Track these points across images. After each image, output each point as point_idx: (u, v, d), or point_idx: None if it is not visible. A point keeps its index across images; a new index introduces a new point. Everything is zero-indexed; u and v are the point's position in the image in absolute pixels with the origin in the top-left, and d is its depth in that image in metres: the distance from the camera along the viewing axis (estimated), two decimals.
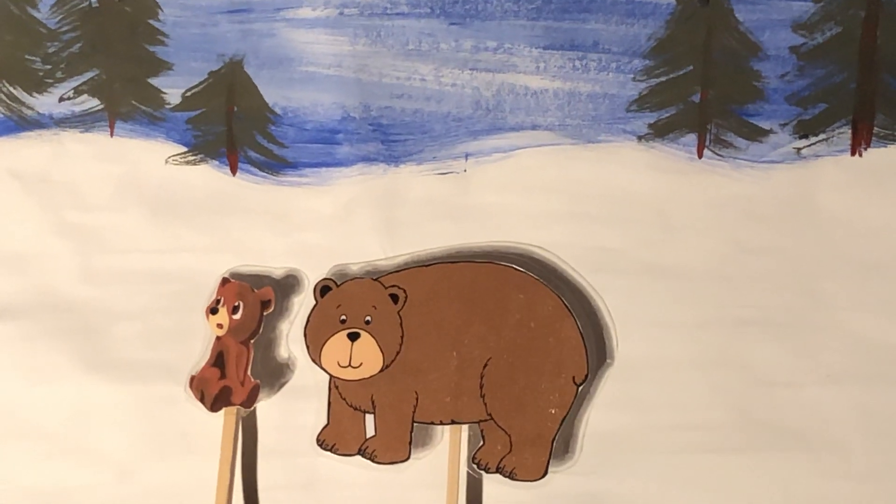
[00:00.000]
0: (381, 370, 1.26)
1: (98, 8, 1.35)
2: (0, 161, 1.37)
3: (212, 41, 1.34)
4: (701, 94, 1.34)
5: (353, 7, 1.33)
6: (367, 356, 1.25)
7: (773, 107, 1.33)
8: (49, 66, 1.36)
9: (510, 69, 1.34)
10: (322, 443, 1.31)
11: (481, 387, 1.28)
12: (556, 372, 1.28)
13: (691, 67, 1.33)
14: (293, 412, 1.36)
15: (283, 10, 1.34)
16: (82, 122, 1.37)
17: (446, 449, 1.30)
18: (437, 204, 1.35)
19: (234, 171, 1.37)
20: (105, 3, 1.35)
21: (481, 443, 1.31)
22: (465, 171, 1.35)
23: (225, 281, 1.31)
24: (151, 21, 1.35)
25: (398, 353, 1.26)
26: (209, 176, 1.37)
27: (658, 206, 1.34)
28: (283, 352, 1.35)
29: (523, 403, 1.28)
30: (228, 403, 1.29)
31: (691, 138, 1.34)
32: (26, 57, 1.36)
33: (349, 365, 1.25)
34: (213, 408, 1.29)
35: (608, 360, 1.33)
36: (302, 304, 1.34)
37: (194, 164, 1.37)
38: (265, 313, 1.30)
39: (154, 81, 1.36)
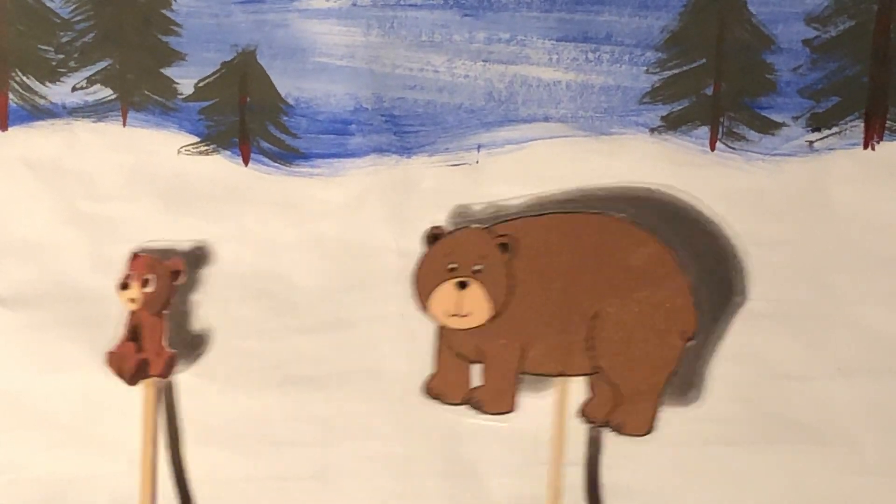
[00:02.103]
0: (490, 320, 1.24)
1: None
2: (13, 150, 1.36)
3: (225, 31, 1.34)
4: (714, 87, 1.34)
5: None
6: (475, 305, 1.23)
7: (786, 100, 1.33)
8: (62, 56, 1.36)
9: (523, 61, 1.34)
10: (429, 391, 1.30)
11: (589, 339, 1.26)
12: (664, 327, 1.26)
13: (704, 60, 1.33)
14: (305, 403, 1.36)
15: (296, 1, 1.34)
16: (95, 111, 1.37)
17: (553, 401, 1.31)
18: (450, 195, 1.35)
19: (246, 162, 1.37)
20: None
21: (589, 396, 1.31)
22: (477, 162, 1.35)
23: (135, 256, 1.30)
24: (165, 11, 1.35)
25: (506, 302, 1.24)
26: (221, 166, 1.37)
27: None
28: (196, 324, 1.35)
29: (631, 358, 1.26)
30: (146, 376, 1.30)
31: (704, 131, 1.34)
32: (39, 46, 1.36)
33: (457, 314, 1.23)
34: (132, 381, 1.29)
35: (737, 299, 1.32)
36: (211, 273, 1.35)
37: (207, 155, 1.37)
38: (175, 283, 1.30)
39: (167, 72, 1.36)
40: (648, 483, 1.36)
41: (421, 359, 1.35)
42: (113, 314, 1.35)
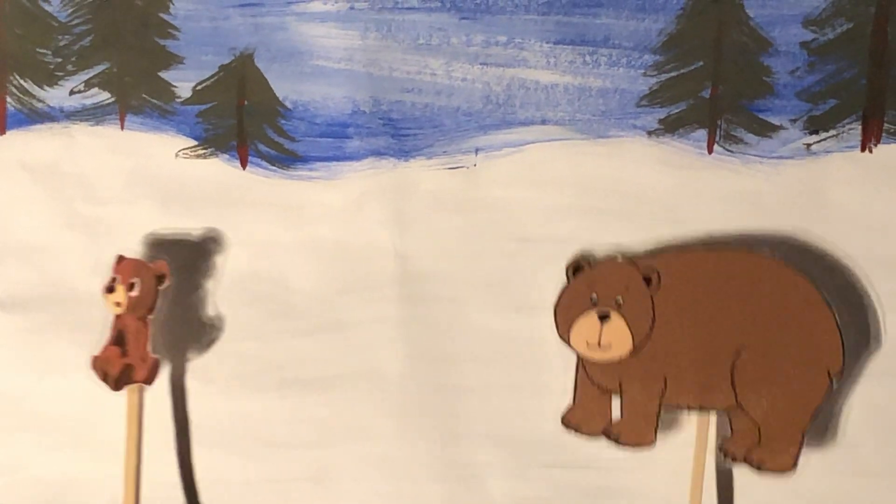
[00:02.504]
0: (631, 353, 1.22)
1: (109, 1, 1.35)
2: (11, 154, 1.37)
3: (223, 35, 1.34)
4: (711, 90, 1.34)
5: (364, 1, 1.33)
6: (616, 337, 1.21)
7: (784, 102, 1.33)
8: (60, 60, 1.36)
9: (520, 64, 1.34)
10: (567, 423, 1.28)
11: (732, 375, 1.24)
12: (809, 363, 1.24)
13: (702, 63, 1.33)
14: (303, 406, 1.37)
15: (293, 4, 1.34)
16: (93, 115, 1.37)
17: (693, 436, 1.29)
18: (447, 198, 1.35)
19: (244, 165, 1.37)
20: None
21: (729, 432, 1.29)
22: (475, 165, 1.35)
23: (120, 259, 1.29)
24: (162, 14, 1.35)
25: (648, 336, 1.23)
26: (219, 169, 1.37)
27: (668, 201, 1.34)
28: (209, 310, 1.35)
29: (774, 394, 1.24)
30: (131, 381, 1.28)
31: (701, 134, 1.34)
32: (37, 50, 1.36)
33: (598, 345, 1.22)
34: (117, 386, 1.28)
35: (872, 346, 1.32)
36: (226, 261, 1.35)
37: (204, 158, 1.37)
38: (160, 287, 1.28)
39: (165, 75, 1.36)
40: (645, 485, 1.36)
41: (420, 361, 1.36)
42: (111, 316, 1.35)
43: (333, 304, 1.37)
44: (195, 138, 1.37)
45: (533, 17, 1.33)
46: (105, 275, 1.35)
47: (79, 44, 1.36)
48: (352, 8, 1.34)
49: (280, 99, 1.35)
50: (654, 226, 1.34)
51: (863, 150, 1.34)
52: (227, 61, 1.35)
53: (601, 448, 1.27)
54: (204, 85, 1.36)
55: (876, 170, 1.33)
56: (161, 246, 1.35)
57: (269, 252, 1.37)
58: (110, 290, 1.26)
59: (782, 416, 1.24)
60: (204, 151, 1.37)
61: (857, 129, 1.33)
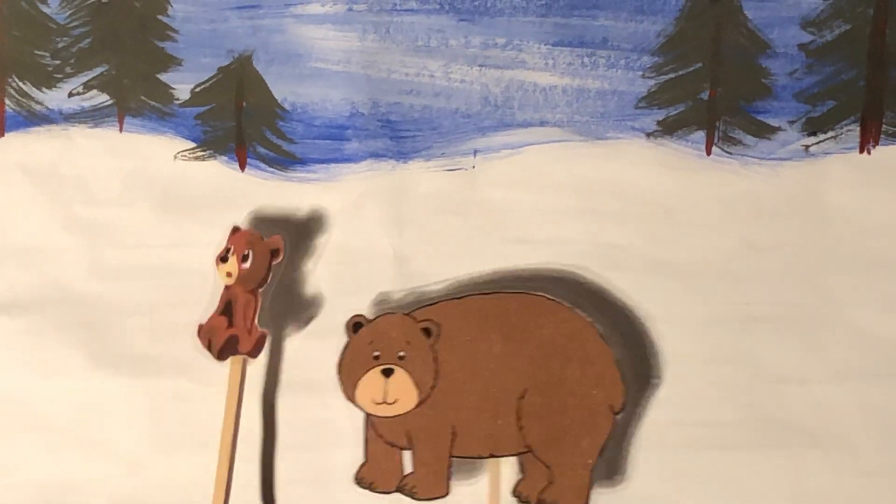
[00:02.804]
0: (417, 405, 1.24)
1: (107, 3, 1.35)
2: (9, 156, 1.37)
3: (221, 37, 1.35)
4: (710, 92, 1.34)
5: (362, 3, 1.34)
6: (401, 392, 1.23)
7: (782, 104, 1.33)
8: (58, 62, 1.36)
9: (519, 66, 1.34)
10: (360, 481, 1.29)
11: (518, 419, 1.26)
12: (592, 401, 1.26)
13: (700, 64, 1.33)
14: (302, 408, 1.37)
15: (292, 6, 1.34)
16: (91, 117, 1.37)
17: (486, 483, 1.30)
18: (446, 200, 1.35)
19: (242, 167, 1.37)
20: None
21: (521, 475, 1.30)
22: (473, 167, 1.35)
23: (235, 229, 1.28)
24: (161, 16, 1.35)
25: (433, 387, 1.24)
26: (218, 171, 1.37)
27: (666, 202, 1.34)
28: (308, 290, 1.35)
29: (561, 434, 1.26)
30: (235, 352, 1.27)
31: (700, 135, 1.34)
32: (35, 52, 1.36)
33: (384, 401, 1.23)
34: (221, 356, 1.27)
35: (654, 381, 1.33)
36: (326, 244, 1.35)
37: (203, 160, 1.37)
38: (274, 262, 1.28)
39: (163, 77, 1.36)
40: (645, 488, 1.36)
41: None
42: (110, 318, 1.36)
43: (332, 306, 1.37)
44: (194, 140, 1.37)
45: (531, 19, 1.33)
46: (104, 277, 1.36)
47: (77, 46, 1.36)
48: (350, 10, 1.34)
49: (278, 101, 1.36)
50: (653, 227, 1.34)
51: (861, 151, 1.34)
52: (225, 63, 1.35)
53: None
54: (202, 87, 1.36)
55: (874, 171, 1.33)
56: (266, 223, 1.35)
57: None
58: (223, 259, 1.25)
59: (570, 456, 1.26)
60: (203, 153, 1.37)
61: (856, 130, 1.33)
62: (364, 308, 1.32)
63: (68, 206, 1.37)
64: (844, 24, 1.32)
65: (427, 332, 1.24)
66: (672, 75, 1.34)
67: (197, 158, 1.37)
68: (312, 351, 1.36)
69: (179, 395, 1.36)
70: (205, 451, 1.35)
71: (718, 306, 1.35)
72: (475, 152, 1.35)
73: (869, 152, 1.33)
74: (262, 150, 1.37)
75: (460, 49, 1.34)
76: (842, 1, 1.31)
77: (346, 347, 1.25)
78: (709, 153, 1.34)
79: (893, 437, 1.35)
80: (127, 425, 1.37)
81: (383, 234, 1.36)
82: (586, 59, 1.34)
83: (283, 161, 1.36)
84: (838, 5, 1.31)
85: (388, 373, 1.23)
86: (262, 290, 1.28)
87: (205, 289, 1.33)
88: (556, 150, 1.34)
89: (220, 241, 1.35)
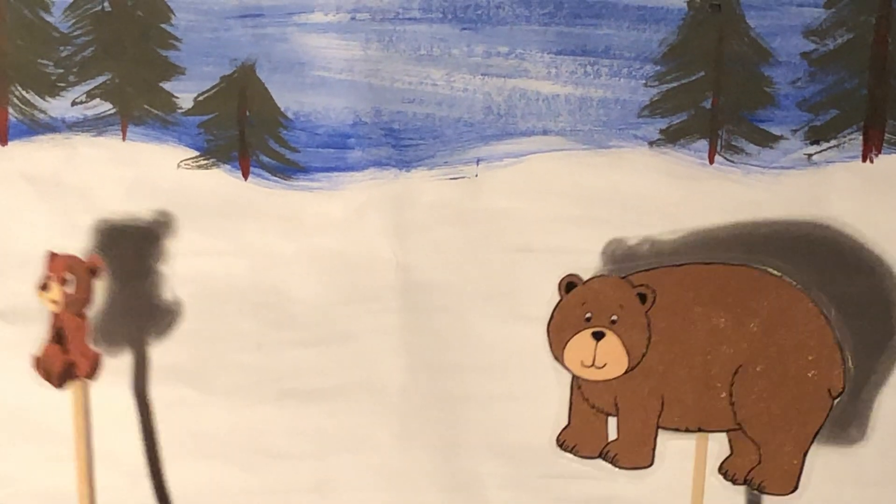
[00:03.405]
0: (626, 372, 1.19)
1: (111, 12, 1.35)
2: (13, 164, 1.37)
3: (224, 46, 1.34)
4: (712, 100, 1.34)
5: (365, 12, 1.33)
6: (611, 356, 1.18)
7: (785, 113, 1.33)
8: (61, 70, 1.36)
9: (522, 74, 1.34)
10: (563, 444, 1.26)
11: (731, 394, 1.22)
12: (810, 383, 1.22)
13: (703, 73, 1.33)
14: (304, 417, 1.37)
15: (295, 15, 1.34)
16: (95, 125, 1.37)
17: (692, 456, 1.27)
18: (449, 208, 1.35)
19: (245, 176, 1.37)
20: (118, 8, 1.35)
21: (729, 452, 1.27)
22: (476, 175, 1.35)
23: (52, 256, 1.26)
24: (164, 25, 1.35)
25: (644, 354, 1.20)
26: (221, 180, 1.37)
27: (669, 211, 1.34)
28: (167, 294, 1.35)
29: (775, 414, 1.22)
30: (73, 377, 1.27)
31: (702, 144, 1.34)
32: (39, 61, 1.36)
33: (593, 365, 1.19)
34: (59, 384, 1.26)
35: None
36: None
37: (206, 169, 1.37)
38: (95, 280, 1.26)
39: (166, 86, 1.36)
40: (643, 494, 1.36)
41: (421, 371, 1.36)
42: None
43: (334, 315, 1.37)
44: (197, 149, 1.37)
45: (534, 28, 1.33)
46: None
47: (80, 55, 1.36)
48: (353, 19, 1.34)
49: (281, 110, 1.36)
50: (656, 236, 1.34)
51: (864, 160, 1.34)
52: (228, 72, 1.35)
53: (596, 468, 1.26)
54: (205, 96, 1.36)
55: (877, 180, 1.33)
56: (110, 233, 1.34)
57: (270, 262, 1.37)
58: (44, 287, 1.24)
59: (783, 437, 1.22)
60: (205, 162, 1.37)
61: (858, 139, 1.33)
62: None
63: (71, 215, 1.37)
64: (847, 33, 1.32)
65: (642, 297, 1.19)
66: (675, 84, 1.34)
67: (200, 167, 1.37)
68: (309, 360, 1.36)
69: (181, 403, 1.36)
70: (207, 459, 1.36)
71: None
72: (478, 161, 1.35)
73: (871, 161, 1.33)
74: (264, 158, 1.37)
75: (463, 58, 1.34)
76: (844, 10, 1.31)
77: (556, 307, 1.21)
78: (711, 162, 1.34)
79: (894, 444, 1.35)
80: (129, 435, 1.37)
81: (385, 242, 1.36)
82: (589, 68, 1.34)
83: (286, 170, 1.36)
84: (841, 14, 1.31)
85: (598, 336, 1.18)
86: (88, 310, 1.27)
87: (207, 297, 1.33)
88: (558, 158, 1.34)
89: (222, 248, 1.36)
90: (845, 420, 1.31)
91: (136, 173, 1.37)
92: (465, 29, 1.34)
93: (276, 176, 1.37)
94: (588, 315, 1.19)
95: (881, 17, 1.31)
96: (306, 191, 1.36)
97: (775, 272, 1.23)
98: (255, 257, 1.37)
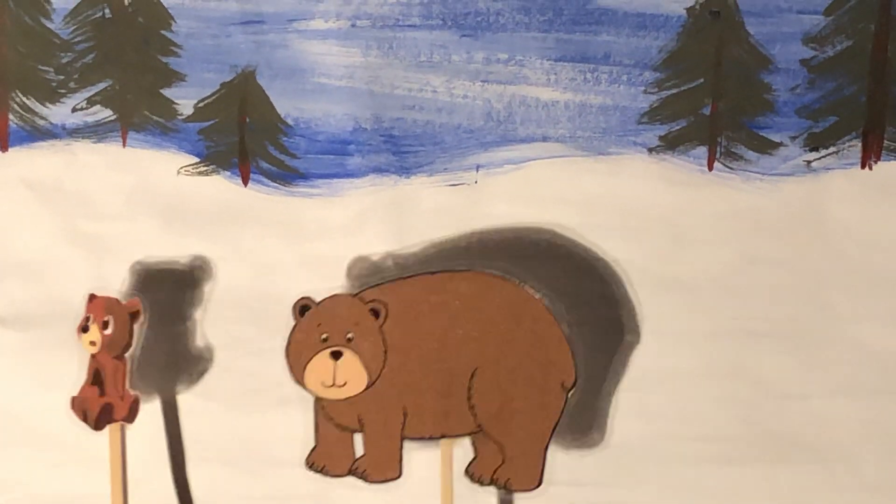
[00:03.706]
0: (367, 387, 1.22)
1: (111, 19, 1.35)
2: (13, 170, 1.37)
3: (224, 52, 1.35)
4: (711, 107, 1.34)
5: (366, 19, 1.34)
6: (351, 374, 1.21)
7: (784, 119, 1.34)
8: (62, 77, 1.36)
9: (521, 81, 1.34)
10: (312, 465, 1.28)
11: (469, 398, 1.26)
12: (543, 379, 1.25)
13: (702, 80, 1.34)
14: (303, 422, 1.37)
15: (295, 22, 1.34)
16: (95, 132, 1.37)
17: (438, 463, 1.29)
18: (448, 215, 1.36)
19: (245, 182, 1.37)
20: (118, 15, 1.35)
21: (474, 455, 1.30)
22: (476, 182, 1.36)
23: (92, 297, 1.27)
24: (164, 32, 1.35)
25: (382, 369, 1.23)
26: (221, 186, 1.37)
27: (668, 217, 1.35)
28: (198, 341, 1.36)
29: (512, 413, 1.25)
30: (111, 420, 1.27)
31: (702, 150, 1.35)
32: (40, 67, 1.36)
33: (333, 384, 1.21)
34: (97, 426, 1.26)
35: (629, 338, 1.34)
36: (213, 290, 1.35)
37: (206, 175, 1.37)
38: (135, 324, 1.27)
39: (167, 92, 1.36)
40: (646, 502, 1.36)
41: None
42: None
43: None
44: (197, 155, 1.37)
45: (534, 35, 1.34)
46: (106, 290, 1.35)
47: (81, 61, 1.36)
48: (353, 25, 1.34)
49: (281, 116, 1.36)
50: (655, 242, 1.34)
51: (863, 167, 1.34)
52: (228, 78, 1.35)
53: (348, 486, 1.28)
54: (206, 102, 1.36)
55: (876, 187, 1.34)
56: (148, 275, 1.35)
57: (270, 268, 1.37)
58: (84, 329, 1.25)
59: (522, 434, 1.25)
60: (205, 168, 1.37)
61: (857, 146, 1.34)
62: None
63: (71, 221, 1.37)
64: (846, 40, 1.32)
65: (375, 312, 1.22)
66: (674, 91, 1.34)
67: (200, 173, 1.37)
68: None
69: (182, 409, 1.36)
70: (207, 464, 1.36)
71: (720, 321, 1.35)
72: (477, 167, 1.36)
73: (870, 167, 1.34)
74: (264, 165, 1.37)
75: (463, 65, 1.34)
76: (843, 17, 1.31)
77: (293, 330, 1.23)
78: (710, 168, 1.35)
79: (894, 451, 1.35)
80: (130, 441, 1.37)
81: (385, 248, 1.36)
82: (588, 75, 1.34)
83: (286, 176, 1.37)
84: (840, 21, 1.31)
85: (336, 355, 1.21)
86: (129, 353, 1.27)
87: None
88: (558, 165, 1.35)
89: (222, 254, 1.36)
90: (585, 423, 1.34)
91: (136, 179, 1.37)
92: (464, 36, 1.34)
93: (275, 182, 1.37)
94: (324, 336, 1.21)
95: (880, 25, 1.32)
96: (306, 197, 1.37)
97: (498, 273, 1.25)
98: (254, 263, 1.37)
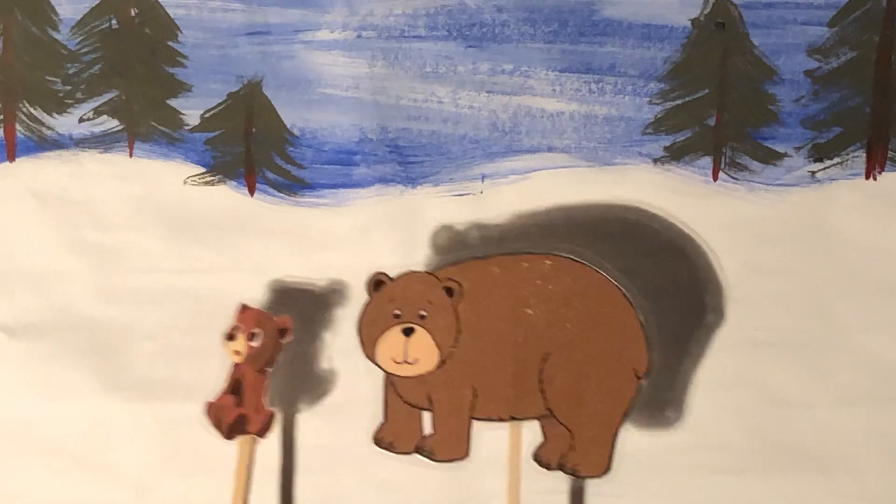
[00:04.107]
0: (438, 366, 1.21)
1: (118, 30, 1.36)
2: (20, 181, 1.37)
3: (231, 63, 1.35)
4: (716, 118, 1.35)
5: (371, 30, 1.34)
6: (422, 352, 1.20)
7: (788, 130, 1.34)
8: (69, 87, 1.37)
9: (526, 92, 1.35)
10: (379, 441, 1.27)
11: (540, 382, 1.24)
12: (616, 365, 1.24)
13: (707, 91, 1.34)
14: (311, 430, 1.37)
15: (301, 33, 1.35)
16: (102, 142, 1.38)
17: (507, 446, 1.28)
18: (454, 225, 1.36)
19: (251, 192, 1.38)
20: (125, 25, 1.36)
21: (542, 439, 1.29)
22: (481, 192, 1.36)
23: (244, 308, 1.28)
24: (171, 43, 1.36)
25: (454, 348, 1.22)
26: (227, 196, 1.38)
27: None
28: (324, 364, 1.36)
29: (583, 398, 1.24)
30: (244, 432, 1.27)
31: (706, 161, 1.35)
32: (46, 78, 1.37)
33: (404, 361, 1.20)
34: (229, 435, 1.26)
35: (710, 317, 1.33)
36: (345, 316, 1.33)
37: (212, 185, 1.38)
38: (283, 341, 1.27)
39: (173, 102, 1.37)
40: None
41: None
42: (118, 342, 1.36)
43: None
44: (203, 165, 1.37)
45: (539, 46, 1.34)
46: (113, 301, 1.36)
47: (88, 72, 1.37)
48: (359, 36, 1.34)
49: (288, 126, 1.36)
50: (660, 253, 1.35)
51: (867, 177, 1.34)
52: (235, 89, 1.36)
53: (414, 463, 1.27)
54: (212, 112, 1.37)
55: (880, 197, 1.34)
56: (283, 293, 1.35)
57: (276, 279, 1.37)
58: (231, 338, 1.25)
59: (592, 420, 1.24)
60: (212, 178, 1.38)
61: (862, 156, 1.34)
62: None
63: (78, 231, 1.37)
64: (850, 51, 1.32)
65: (449, 291, 1.21)
66: (679, 101, 1.34)
67: (206, 183, 1.38)
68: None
69: (187, 419, 1.36)
70: (213, 475, 1.36)
71: (724, 330, 1.35)
72: (483, 178, 1.36)
73: (875, 178, 1.34)
74: (271, 175, 1.37)
75: (468, 75, 1.35)
76: (848, 28, 1.32)
77: (366, 305, 1.22)
78: (715, 179, 1.35)
79: None
80: (135, 449, 1.38)
81: (391, 258, 1.36)
82: (594, 86, 1.34)
83: (292, 186, 1.37)
84: (844, 33, 1.32)
85: (408, 332, 1.20)
86: (271, 369, 1.28)
87: (214, 314, 1.33)
88: (563, 175, 1.35)
89: (228, 264, 1.36)
90: (662, 402, 1.33)
91: (142, 190, 1.37)
92: (470, 47, 1.35)
93: (281, 192, 1.37)
94: (397, 312, 1.21)
95: (884, 36, 1.32)
96: (312, 207, 1.37)
97: (577, 259, 1.25)
98: (261, 273, 1.37)
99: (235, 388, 1.26)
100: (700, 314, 1.35)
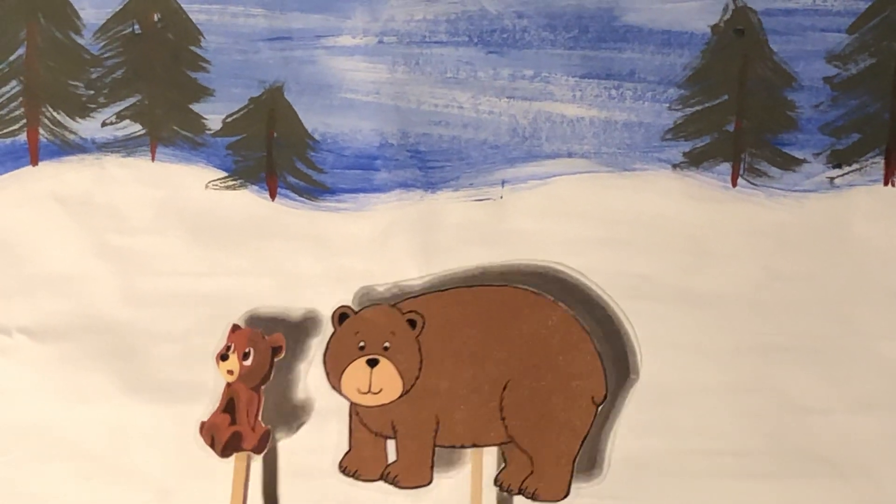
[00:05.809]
0: (401, 395, 1.26)
1: (141, 35, 1.37)
2: (43, 185, 1.38)
3: (253, 68, 1.36)
4: (735, 124, 1.35)
5: (392, 35, 1.35)
6: (386, 382, 1.25)
7: (807, 136, 1.35)
8: (92, 92, 1.38)
9: (547, 97, 1.35)
10: (344, 469, 1.31)
11: (501, 409, 1.29)
12: (574, 392, 1.28)
13: (726, 97, 1.35)
14: (324, 435, 1.37)
15: (323, 38, 1.36)
16: (124, 146, 1.38)
17: (469, 472, 1.32)
18: (474, 230, 1.37)
19: (273, 196, 1.38)
20: (148, 30, 1.37)
21: (503, 465, 1.32)
22: (501, 197, 1.37)
23: (235, 327, 1.30)
24: (193, 48, 1.36)
25: (417, 377, 1.27)
26: (248, 201, 1.38)
27: (692, 233, 1.36)
28: (300, 393, 1.37)
29: (542, 425, 1.29)
30: (239, 449, 1.29)
31: (726, 167, 1.36)
32: (70, 82, 1.38)
33: (369, 391, 1.25)
34: (224, 454, 1.28)
35: (632, 377, 1.35)
36: (319, 346, 1.34)
37: (234, 189, 1.38)
38: (276, 359, 1.30)
39: (195, 107, 1.37)
40: None
41: None
42: (141, 345, 1.37)
43: None
44: (225, 170, 1.38)
45: (559, 52, 1.35)
46: (135, 304, 1.37)
47: (111, 76, 1.37)
48: (380, 42, 1.35)
49: (309, 131, 1.37)
50: (679, 258, 1.35)
51: (886, 183, 1.35)
52: (256, 94, 1.37)
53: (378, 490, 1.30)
54: (234, 117, 1.37)
55: None
56: (261, 322, 1.35)
57: (297, 282, 1.38)
58: (224, 357, 1.27)
59: (552, 447, 1.28)
60: (234, 183, 1.38)
61: (880, 163, 1.34)
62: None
63: (101, 235, 1.38)
64: (869, 58, 1.33)
65: (412, 323, 1.26)
66: (698, 107, 1.35)
67: (228, 188, 1.38)
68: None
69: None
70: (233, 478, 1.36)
71: (743, 336, 1.36)
72: (503, 183, 1.37)
73: (894, 184, 1.35)
74: (292, 179, 1.38)
75: (489, 81, 1.35)
76: (867, 35, 1.32)
77: (331, 337, 1.27)
78: (734, 185, 1.36)
79: None
80: (157, 452, 1.38)
81: (412, 263, 1.37)
82: (613, 92, 1.35)
83: (313, 191, 1.38)
84: (863, 39, 1.32)
85: (373, 363, 1.25)
86: (265, 387, 1.30)
87: (235, 317, 1.34)
88: (583, 181, 1.36)
89: (249, 268, 1.37)
90: (587, 459, 1.35)
91: (164, 194, 1.38)
92: (490, 52, 1.35)
93: (303, 197, 1.38)
94: (362, 344, 1.26)
95: None
96: (333, 212, 1.38)
97: (535, 290, 1.29)
98: (281, 277, 1.38)
99: (229, 406, 1.29)
100: (623, 371, 1.35)
